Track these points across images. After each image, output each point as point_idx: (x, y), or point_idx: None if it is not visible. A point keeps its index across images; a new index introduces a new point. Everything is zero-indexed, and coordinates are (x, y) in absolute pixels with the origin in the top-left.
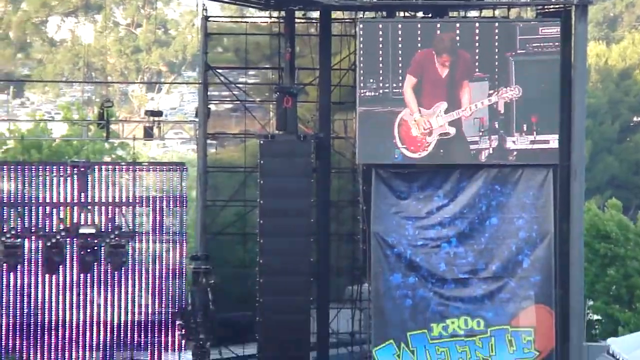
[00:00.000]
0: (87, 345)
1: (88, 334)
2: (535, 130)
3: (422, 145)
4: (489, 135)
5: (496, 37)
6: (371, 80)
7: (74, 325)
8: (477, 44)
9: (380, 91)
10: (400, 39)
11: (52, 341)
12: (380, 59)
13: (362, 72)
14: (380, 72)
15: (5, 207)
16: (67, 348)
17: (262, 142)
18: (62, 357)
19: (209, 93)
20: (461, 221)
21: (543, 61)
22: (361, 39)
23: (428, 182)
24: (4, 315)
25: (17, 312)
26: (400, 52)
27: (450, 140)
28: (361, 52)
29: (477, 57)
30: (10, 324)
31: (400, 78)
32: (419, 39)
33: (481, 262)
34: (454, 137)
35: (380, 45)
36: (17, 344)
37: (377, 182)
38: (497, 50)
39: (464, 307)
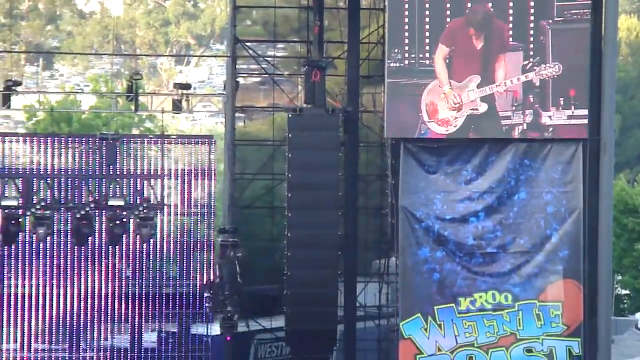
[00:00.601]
0: (116, 316)
1: (117, 305)
2: (573, 105)
3: (450, 121)
4: (523, 109)
5: (531, 4)
6: (396, 51)
7: (103, 296)
8: (510, 11)
9: (407, 62)
10: (427, 6)
11: (82, 312)
12: (407, 27)
13: (389, 42)
14: (407, 42)
15: (35, 179)
16: (95, 319)
17: (290, 115)
18: (92, 328)
19: (237, 66)
20: (490, 195)
21: (579, 30)
22: (388, 9)
23: (457, 156)
24: (34, 285)
25: (47, 283)
26: (428, 20)
27: (481, 116)
28: (388, 22)
29: (510, 26)
30: (40, 294)
31: (428, 48)
32: (448, 5)
33: (509, 237)
34: (485, 113)
35: (407, 13)
36: (47, 313)
37: (405, 156)
38: (532, 17)
39: (492, 282)
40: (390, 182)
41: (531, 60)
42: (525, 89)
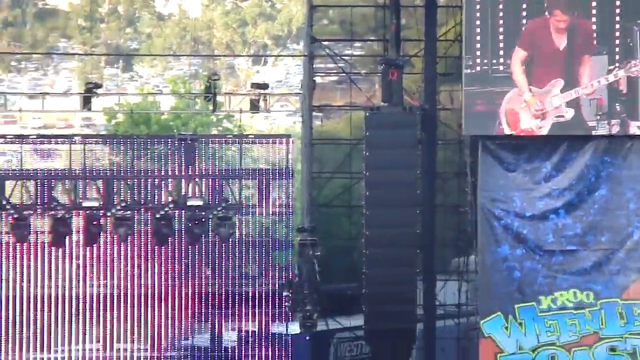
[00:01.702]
0: (196, 316)
1: (197, 305)
2: None
3: (534, 131)
4: (609, 119)
5: (617, 3)
6: (468, 56)
7: (183, 296)
8: (594, 11)
9: (479, 68)
10: (501, 7)
11: (162, 312)
12: (479, 30)
13: (465, 48)
14: (479, 46)
15: (115, 180)
16: (176, 318)
17: (367, 114)
18: (172, 327)
19: (314, 65)
20: (569, 192)
21: None
22: (465, 11)
23: (536, 154)
24: (115, 286)
25: (128, 283)
26: (502, 22)
27: (567, 124)
28: (465, 25)
29: (594, 28)
30: (122, 294)
31: (502, 53)
32: (524, 5)
33: (590, 234)
34: (572, 120)
35: (478, 15)
36: (129, 313)
37: (483, 154)
38: (618, 18)
39: (573, 280)
40: (469, 180)
41: (617, 64)
42: (611, 96)
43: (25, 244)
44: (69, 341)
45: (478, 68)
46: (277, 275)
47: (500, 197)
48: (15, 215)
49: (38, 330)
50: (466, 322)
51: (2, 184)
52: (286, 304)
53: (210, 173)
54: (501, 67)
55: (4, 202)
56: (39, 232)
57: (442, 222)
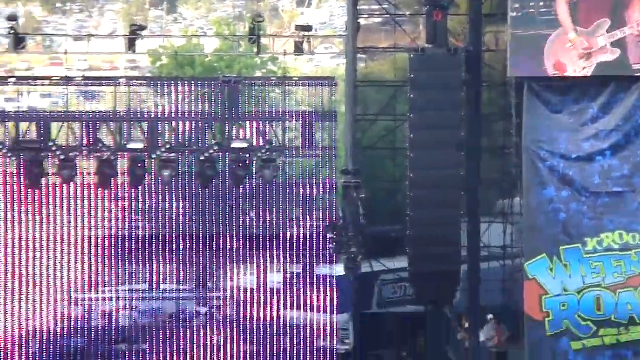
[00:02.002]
0: (241, 258)
1: (241, 247)
2: None
3: (577, 72)
4: None
5: None
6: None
7: (228, 238)
8: None
9: (527, 11)
10: None
11: (207, 253)
12: None
13: None
14: None
15: (160, 122)
16: (221, 260)
17: (412, 56)
18: (217, 269)
19: (358, 7)
20: (616, 134)
21: None
22: None
23: (582, 95)
24: (160, 227)
25: (173, 225)
26: None
27: (611, 65)
28: None
29: None
30: (167, 236)
31: None
32: None
33: (637, 175)
34: (616, 61)
35: None
36: (174, 255)
37: (529, 96)
38: None
39: (619, 221)
40: (514, 122)
41: None
42: None
43: (71, 185)
44: (116, 282)
45: (524, 10)
46: (321, 217)
47: (545, 139)
48: (62, 157)
49: (85, 271)
50: (511, 264)
51: (49, 126)
52: (330, 246)
53: (254, 115)
54: (547, 9)
55: (51, 144)
56: (85, 174)
57: (486, 164)
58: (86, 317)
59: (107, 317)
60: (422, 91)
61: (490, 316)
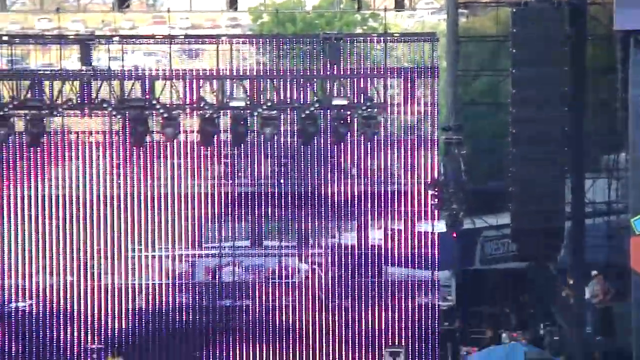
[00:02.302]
0: (342, 213)
1: (342, 204)
2: None
3: None
4: None
5: None
6: None
7: (329, 195)
8: None
9: None
10: None
11: (309, 210)
12: None
13: None
14: None
15: (261, 80)
16: (322, 217)
17: (514, 10)
18: (319, 226)
19: None
20: None
21: None
22: None
23: None
24: (262, 184)
25: (275, 182)
26: None
27: None
28: None
29: None
30: (269, 193)
31: None
32: None
33: None
34: None
35: None
36: (276, 212)
37: (635, 49)
38: None
39: None
40: (620, 76)
41: None
42: None
43: (175, 142)
44: (219, 238)
45: None
46: (422, 174)
47: None
48: (165, 115)
49: (189, 228)
50: (616, 219)
51: (152, 84)
52: (432, 202)
53: (355, 72)
54: None
55: (154, 102)
56: (188, 131)
57: (591, 120)
58: (190, 274)
59: (210, 273)
60: (525, 46)
61: (594, 272)
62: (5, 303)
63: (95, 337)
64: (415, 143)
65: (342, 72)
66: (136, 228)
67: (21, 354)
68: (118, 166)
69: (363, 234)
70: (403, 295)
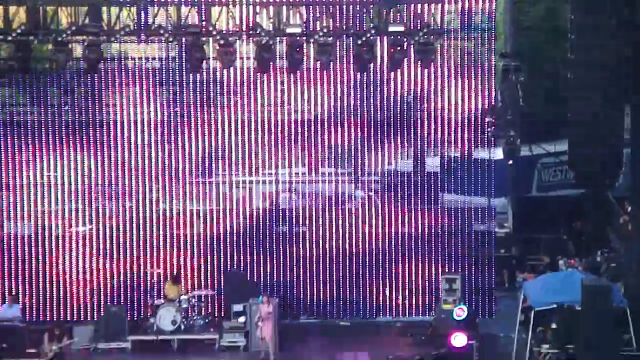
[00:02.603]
0: (399, 141)
1: (399, 130)
2: None
3: None
4: None
5: None
6: None
7: (385, 122)
8: None
9: None
10: None
11: (365, 136)
12: None
13: None
14: None
15: (317, 6)
16: (379, 143)
17: None
18: (376, 153)
19: None
20: None
21: None
22: None
23: None
24: (319, 111)
25: (331, 110)
26: None
27: None
28: None
29: None
30: (325, 119)
31: None
32: None
33: None
34: None
35: None
36: (333, 138)
37: None
38: None
39: None
40: None
41: None
42: None
43: (231, 69)
44: (276, 165)
45: None
46: (479, 101)
47: None
48: (222, 42)
49: (246, 154)
50: None
51: (208, 10)
52: (489, 129)
53: None
54: None
55: (211, 29)
56: (244, 58)
57: None
58: (247, 200)
59: (267, 199)
60: None
61: None
62: (67, 227)
63: (155, 262)
64: (473, 69)
65: None
66: (193, 154)
67: (82, 275)
68: (174, 93)
69: (419, 161)
70: (460, 222)
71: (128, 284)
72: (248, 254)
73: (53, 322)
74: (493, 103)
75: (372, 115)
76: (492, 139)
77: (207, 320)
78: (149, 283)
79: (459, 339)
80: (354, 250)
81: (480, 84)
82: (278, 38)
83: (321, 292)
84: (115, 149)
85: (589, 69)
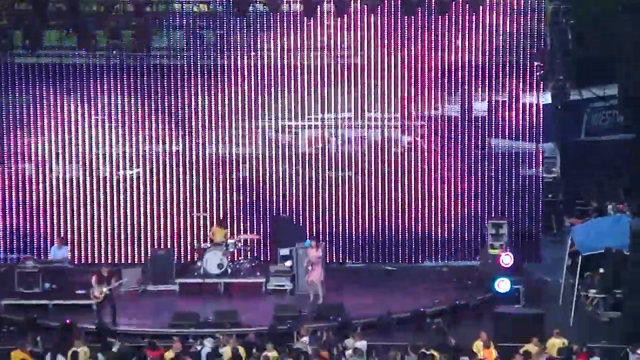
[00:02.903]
0: (445, 86)
1: (446, 76)
2: None
3: None
4: None
5: None
6: None
7: (432, 67)
8: None
9: None
10: None
11: (412, 82)
12: None
13: None
14: None
15: None
16: (426, 88)
17: None
18: (423, 98)
19: None
20: None
21: None
22: None
23: None
24: (365, 56)
25: (379, 52)
26: None
27: None
28: None
29: None
30: (372, 64)
31: None
32: None
33: None
34: None
35: None
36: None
37: None
38: None
39: None
40: None
41: None
42: None
43: (277, 14)
44: (322, 109)
45: None
46: (528, 44)
47: None
48: None
49: (292, 99)
50: None
51: None
52: (537, 73)
53: None
54: None
55: None
56: (291, 2)
57: None
58: (293, 144)
59: (313, 144)
60: None
61: None
62: (114, 171)
63: (201, 207)
64: (522, 12)
65: None
66: (240, 98)
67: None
68: (222, 37)
69: (467, 105)
70: (507, 167)
71: (175, 227)
72: (294, 198)
73: (101, 264)
74: (542, 46)
75: (420, 60)
76: (541, 82)
77: (253, 264)
78: (195, 226)
79: (503, 285)
80: (400, 195)
81: (529, 27)
82: None
83: (367, 237)
84: (160, 93)
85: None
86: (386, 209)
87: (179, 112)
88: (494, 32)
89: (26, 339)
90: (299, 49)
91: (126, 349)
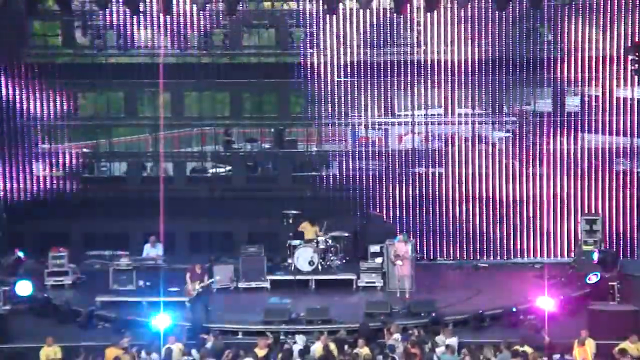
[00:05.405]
0: (537, 81)
1: (538, 70)
2: None
3: None
4: None
5: None
6: None
7: (525, 61)
8: None
9: None
10: None
11: (503, 78)
12: None
13: None
14: None
15: None
16: (517, 83)
17: None
18: (514, 94)
19: None
20: None
21: None
22: None
23: None
24: (455, 51)
25: (469, 48)
26: None
27: None
28: None
29: None
30: (462, 60)
31: None
32: None
33: None
34: None
35: None
36: (469, 79)
37: None
38: None
39: None
40: None
41: None
42: None
43: (367, 10)
44: (412, 106)
45: None
46: (622, 37)
47: None
48: None
49: (382, 96)
50: None
51: None
52: (632, 67)
53: None
54: None
55: None
56: None
57: None
58: (383, 141)
59: (403, 140)
60: None
61: None
62: None
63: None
64: (616, 7)
65: None
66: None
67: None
68: (309, 34)
69: (559, 101)
70: (600, 161)
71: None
72: (385, 195)
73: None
74: (636, 40)
75: (510, 54)
76: (635, 77)
77: (344, 261)
78: (286, 223)
79: (593, 278)
80: (492, 191)
81: (623, 22)
82: None
83: (458, 233)
84: None
85: None
86: (477, 205)
87: None
88: (587, 24)
89: (121, 336)
90: (387, 46)
91: (220, 345)
